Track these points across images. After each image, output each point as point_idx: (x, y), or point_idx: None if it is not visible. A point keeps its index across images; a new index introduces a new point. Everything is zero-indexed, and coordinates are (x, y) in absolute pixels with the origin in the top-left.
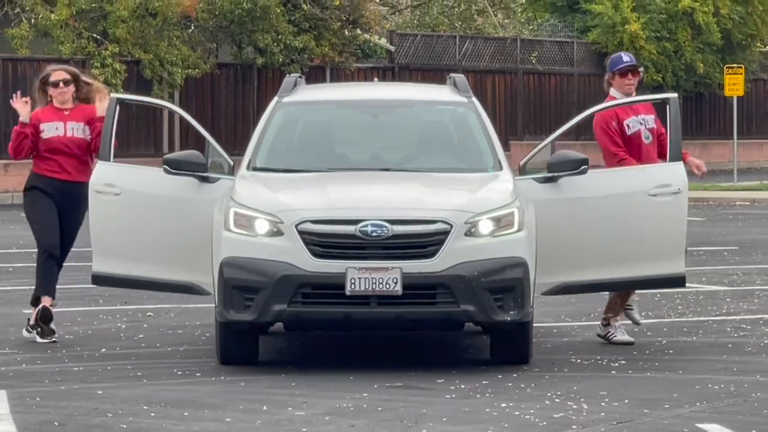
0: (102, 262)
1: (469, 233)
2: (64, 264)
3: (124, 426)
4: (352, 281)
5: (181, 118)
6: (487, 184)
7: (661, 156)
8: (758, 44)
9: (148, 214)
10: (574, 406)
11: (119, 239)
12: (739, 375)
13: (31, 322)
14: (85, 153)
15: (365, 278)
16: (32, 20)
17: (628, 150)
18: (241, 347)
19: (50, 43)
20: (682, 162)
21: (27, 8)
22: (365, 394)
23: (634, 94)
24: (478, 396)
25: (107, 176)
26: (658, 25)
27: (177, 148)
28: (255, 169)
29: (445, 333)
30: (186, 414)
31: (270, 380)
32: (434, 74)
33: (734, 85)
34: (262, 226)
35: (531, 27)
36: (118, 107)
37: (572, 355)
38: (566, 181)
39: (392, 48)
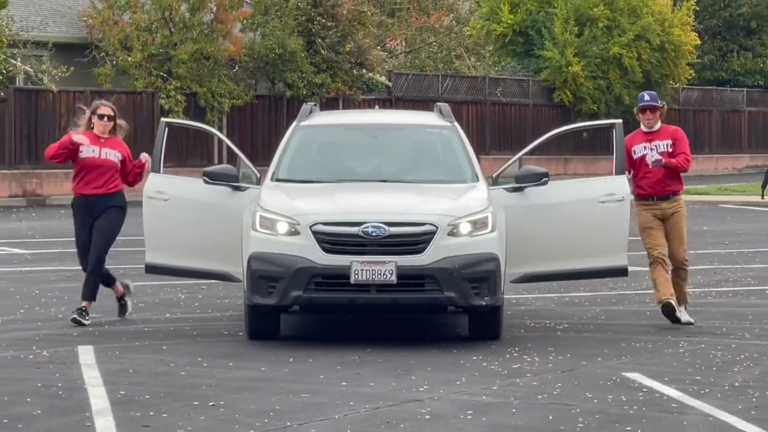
0: (153, 255)
1: (451, 233)
2: (134, 249)
3: (183, 373)
4: (356, 272)
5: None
6: (466, 193)
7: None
8: (671, 82)
9: (190, 216)
10: (528, 359)
11: (167, 236)
12: (655, 335)
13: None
14: (114, 174)
15: (366, 270)
16: (114, 62)
17: (637, 168)
18: (266, 326)
19: (127, 80)
20: (625, 175)
21: (110, 52)
22: (368, 350)
23: (654, 127)
24: (455, 352)
25: (158, 185)
26: (594, 67)
27: (225, 161)
28: (277, 180)
29: (432, 314)
30: (231, 364)
31: (293, 345)
32: (423, 104)
33: None
34: (282, 227)
35: (496, 68)
36: (167, 129)
37: (527, 320)
38: (531, 191)
39: (390, 84)
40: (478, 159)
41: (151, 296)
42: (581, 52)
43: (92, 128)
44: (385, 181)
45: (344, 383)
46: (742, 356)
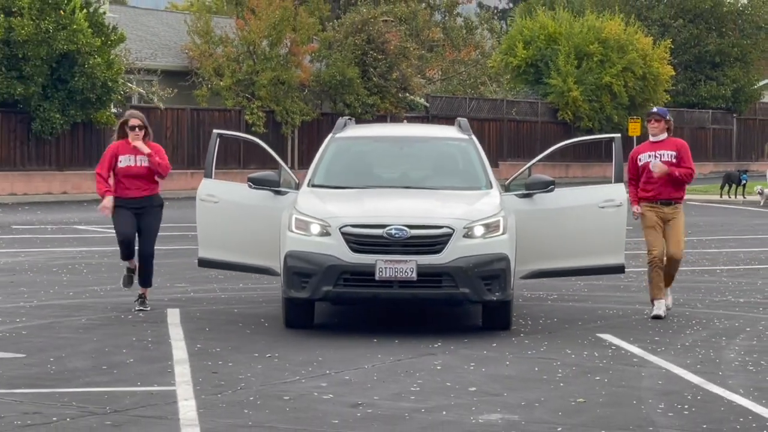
0: (205, 251)
1: (466, 235)
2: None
3: (248, 331)
4: (380, 270)
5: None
6: (480, 199)
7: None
8: (651, 104)
9: (236, 217)
10: (523, 322)
11: (216, 235)
12: (626, 305)
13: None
14: (149, 177)
15: (390, 268)
16: (209, 85)
17: (641, 175)
18: (300, 316)
19: (219, 100)
20: (623, 183)
21: (206, 78)
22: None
23: (660, 137)
24: (465, 323)
25: (209, 189)
26: (590, 92)
27: (290, 164)
28: (313, 186)
29: (448, 308)
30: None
31: (333, 323)
32: (453, 121)
33: (635, 128)
34: (315, 228)
35: (512, 93)
36: (218, 140)
37: (525, 292)
38: (539, 197)
39: (428, 104)
40: (498, 165)
41: (224, 273)
42: (580, 80)
43: (126, 137)
44: (408, 187)
45: (375, 339)
46: (693, 322)
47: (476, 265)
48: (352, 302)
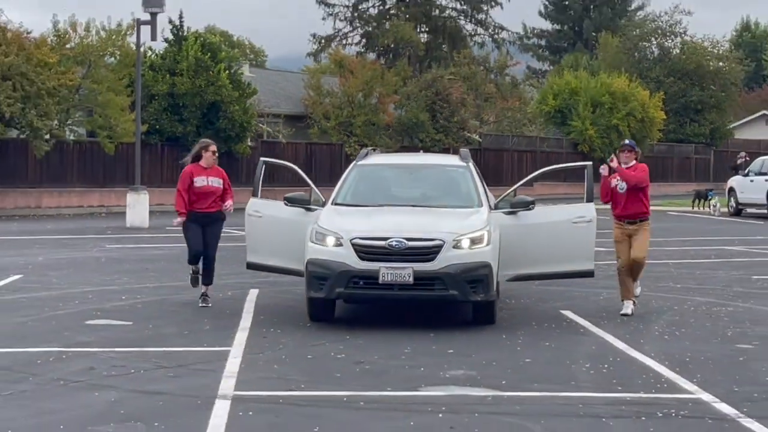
0: (251, 256)
1: (455, 246)
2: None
3: (302, 309)
4: (383, 275)
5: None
6: (470, 216)
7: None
8: (648, 140)
9: (276, 229)
10: (500, 304)
11: (260, 243)
12: (586, 288)
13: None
14: (217, 196)
15: (391, 273)
16: (319, 126)
17: (613, 195)
18: (320, 311)
19: (327, 137)
20: (593, 203)
21: (317, 120)
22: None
23: (629, 164)
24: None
25: (255, 206)
26: (602, 131)
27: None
28: (336, 204)
29: (441, 306)
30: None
31: (347, 321)
32: (499, 152)
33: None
34: (330, 240)
35: (544, 131)
36: (264, 166)
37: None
38: (522, 214)
39: (480, 140)
40: (533, 185)
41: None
42: (594, 122)
43: (199, 161)
44: (414, 206)
45: (390, 327)
46: (636, 302)
47: (463, 271)
48: (360, 301)
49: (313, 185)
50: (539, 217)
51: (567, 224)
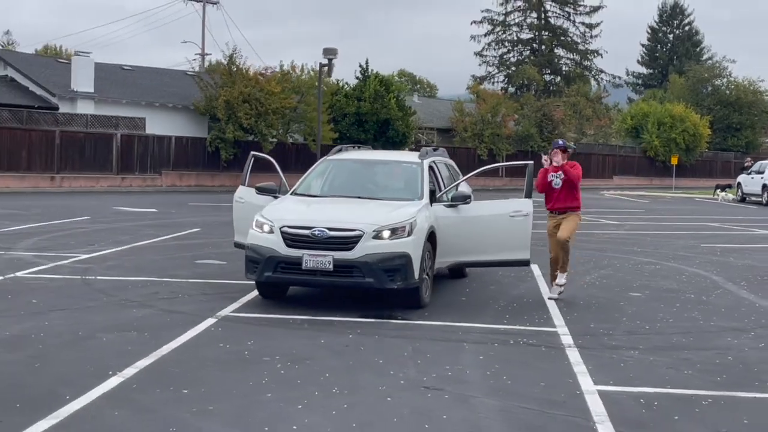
0: (237, 236)
1: (375, 237)
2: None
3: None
4: (306, 261)
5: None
6: (401, 208)
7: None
8: (698, 149)
9: (252, 214)
10: (459, 287)
11: (243, 225)
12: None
13: None
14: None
15: (313, 260)
16: (462, 137)
17: (548, 189)
18: (268, 290)
19: (465, 144)
20: (530, 198)
21: (459, 132)
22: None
23: (561, 161)
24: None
25: (240, 193)
26: (664, 142)
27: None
28: (294, 194)
29: (375, 292)
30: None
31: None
32: (590, 156)
33: (674, 160)
34: (266, 227)
35: (624, 141)
36: (252, 159)
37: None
38: (461, 207)
39: (575, 146)
40: (612, 177)
41: None
42: (659, 136)
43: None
44: (359, 197)
45: (342, 308)
46: (587, 261)
47: (380, 261)
48: (286, 285)
49: (282, 176)
50: (479, 210)
51: (505, 217)
